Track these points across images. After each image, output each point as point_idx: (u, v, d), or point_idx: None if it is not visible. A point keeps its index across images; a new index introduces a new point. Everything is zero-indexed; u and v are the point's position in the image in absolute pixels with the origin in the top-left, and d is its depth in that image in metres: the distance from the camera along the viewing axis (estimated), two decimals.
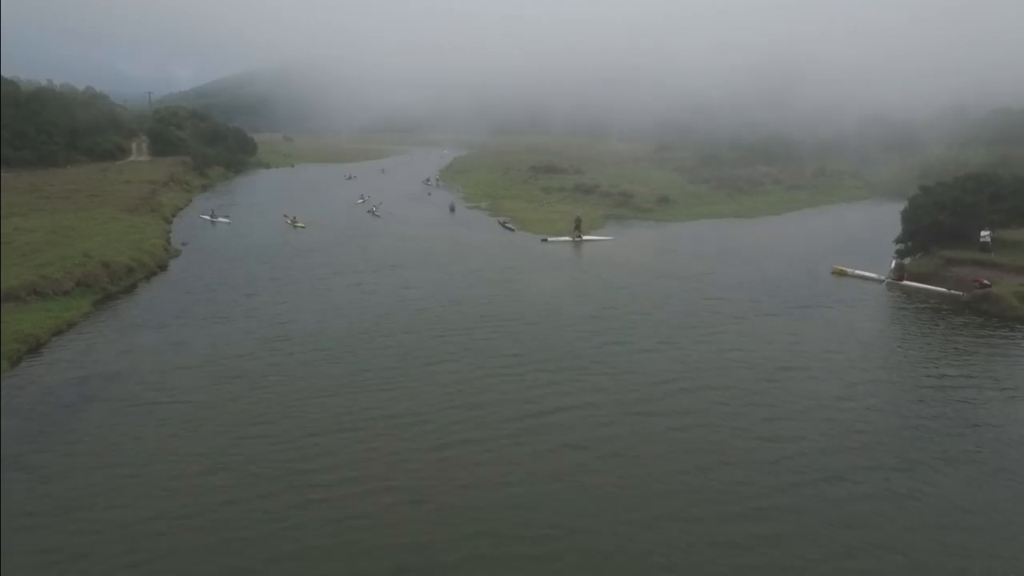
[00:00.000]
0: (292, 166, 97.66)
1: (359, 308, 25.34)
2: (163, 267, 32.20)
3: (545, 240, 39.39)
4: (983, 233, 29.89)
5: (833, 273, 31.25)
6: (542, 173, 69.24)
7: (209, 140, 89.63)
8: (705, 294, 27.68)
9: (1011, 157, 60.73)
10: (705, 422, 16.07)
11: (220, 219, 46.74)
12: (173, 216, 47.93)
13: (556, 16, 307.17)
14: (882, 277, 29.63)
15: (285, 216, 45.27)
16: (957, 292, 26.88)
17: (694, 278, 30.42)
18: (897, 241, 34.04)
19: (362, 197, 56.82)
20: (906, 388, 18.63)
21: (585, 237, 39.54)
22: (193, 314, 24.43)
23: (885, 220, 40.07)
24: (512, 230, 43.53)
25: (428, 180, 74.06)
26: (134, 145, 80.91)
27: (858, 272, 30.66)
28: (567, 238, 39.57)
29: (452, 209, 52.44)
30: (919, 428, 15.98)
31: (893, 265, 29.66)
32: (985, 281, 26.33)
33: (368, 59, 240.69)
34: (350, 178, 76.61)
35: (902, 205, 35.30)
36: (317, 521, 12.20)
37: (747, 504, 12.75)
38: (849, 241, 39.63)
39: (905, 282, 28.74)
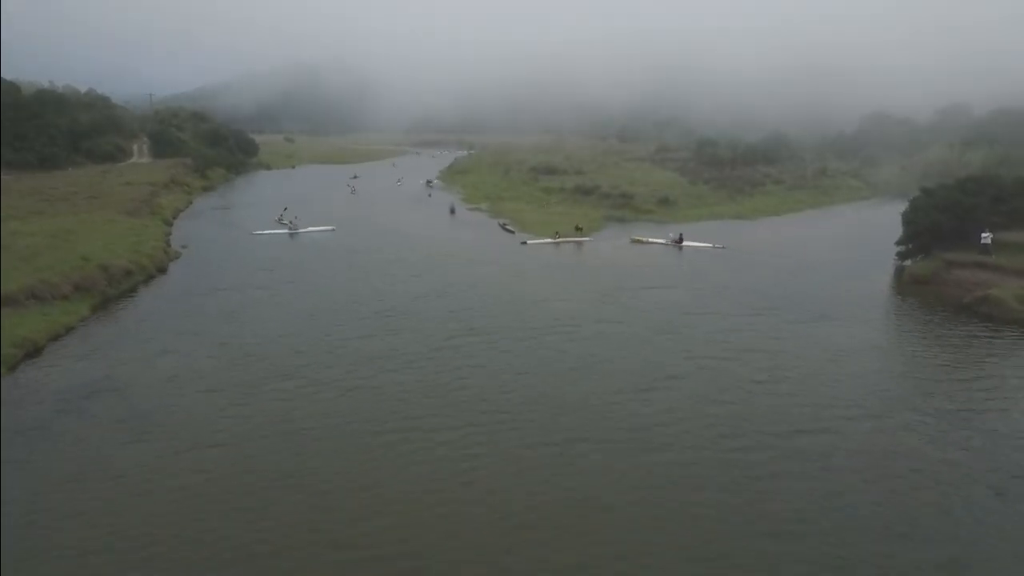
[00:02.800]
0: (293, 167, 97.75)
1: (358, 321, 25.33)
2: (162, 270, 32.19)
3: (524, 243, 39.63)
4: (983, 235, 29.78)
5: (632, 241, 39.33)
6: (542, 174, 69.07)
7: (210, 141, 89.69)
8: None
9: (1013, 157, 60.57)
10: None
11: (307, 229, 41.78)
12: (173, 218, 47.97)
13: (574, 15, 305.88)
14: (666, 241, 38.64)
15: (276, 220, 44.92)
16: (676, 245, 37.70)
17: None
18: (898, 243, 33.95)
19: (399, 179, 76.11)
20: (901, 391, 18.56)
21: (561, 239, 40.05)
22: (190, 318, 24.46)
23: (885, 221, 40.01)
24: (512, 232, 43.51)
25: (429, 182, 74.18)
26: (135, 147, 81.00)
27: (651, 240, 39.42)
28: (547, 240, 40.09)
29: (452, 211, 52.44)
30: (915, 427, 15.94)
31: (677, 236, 38.88)
32: (681, 234, 38.67)
33: (376, 61, 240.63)
34: (355, 177, 78.02)
35: (904, 206, 35.18)
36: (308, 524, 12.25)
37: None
38: (849, 242, 39.66)
39: (682, 243, 37.98)
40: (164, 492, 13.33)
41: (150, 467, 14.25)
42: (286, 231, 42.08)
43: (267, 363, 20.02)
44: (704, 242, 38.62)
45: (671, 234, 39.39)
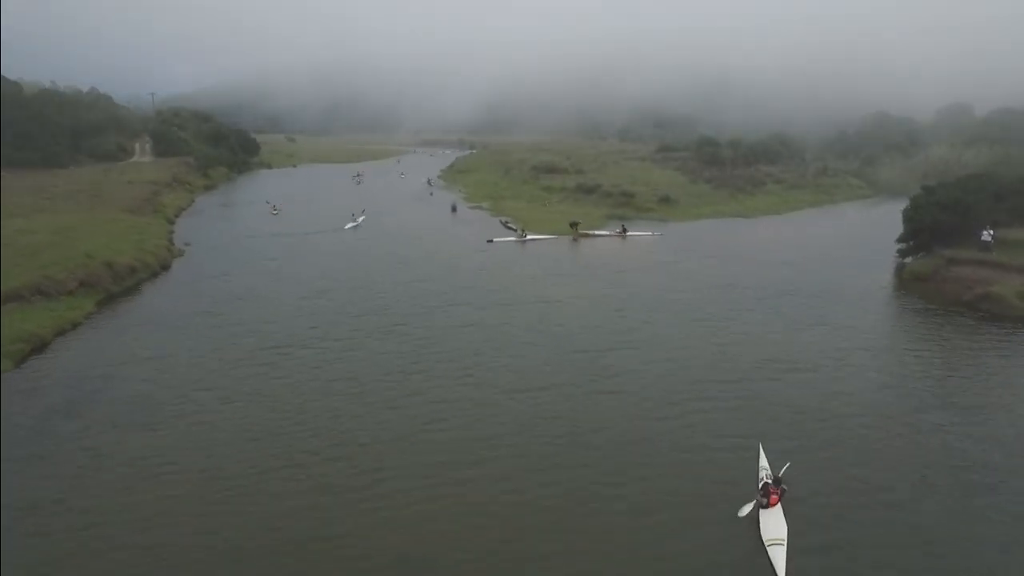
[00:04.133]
0: (295, 166, 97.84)
1: (360, 322, 25.49)
2: (166, 267, 32.38)
3: (490, 241, 39.72)
4: (984, 233, 29.88)
5: (577, 237, 40.42)
6: (543, 173, 69.17)
7: (212, 141, 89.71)
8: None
9: (1014, 156, 60.61)
10: None
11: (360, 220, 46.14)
12: (176, 216, 48.14)
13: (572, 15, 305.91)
14: (612, 233, 41.69)
15: (273, 209, 50.06)
16: (621, 236, 41.13)
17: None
18: (899, 240, 34.06)
19: (401, 173, 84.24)
20: (898, 383, 18.69)
21: (528, 237, 40.42)
22: (193, 313, 24.62)
23: (886, 220, 40.19)
24: (514, 229, 43.63)
25: (430, 180, 74.42)
26: (137, 146, 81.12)
27: (595, 232, 41.59)
28: (512, 238, 40.48)
29: (454, 209, 52.60)
30: (916, 427, 16.09)
31: (620, 228, 42.89)
32: (624, 226, 42.75)
33: (377, 61, 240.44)
34: (358, 175, 79.36)
35: (905, 205, 35.26)
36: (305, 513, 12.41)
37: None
38: (850, 240, 39.82)
39: (628, 233, 41.57)
40: (166, 490, 13.50)
41: (153, 464, 14.41)
42: (352, 226, 44.71)
43: (275, 339, 20.33)
44: (644, 231, 42.79)
45: (616, 230, 42.57)
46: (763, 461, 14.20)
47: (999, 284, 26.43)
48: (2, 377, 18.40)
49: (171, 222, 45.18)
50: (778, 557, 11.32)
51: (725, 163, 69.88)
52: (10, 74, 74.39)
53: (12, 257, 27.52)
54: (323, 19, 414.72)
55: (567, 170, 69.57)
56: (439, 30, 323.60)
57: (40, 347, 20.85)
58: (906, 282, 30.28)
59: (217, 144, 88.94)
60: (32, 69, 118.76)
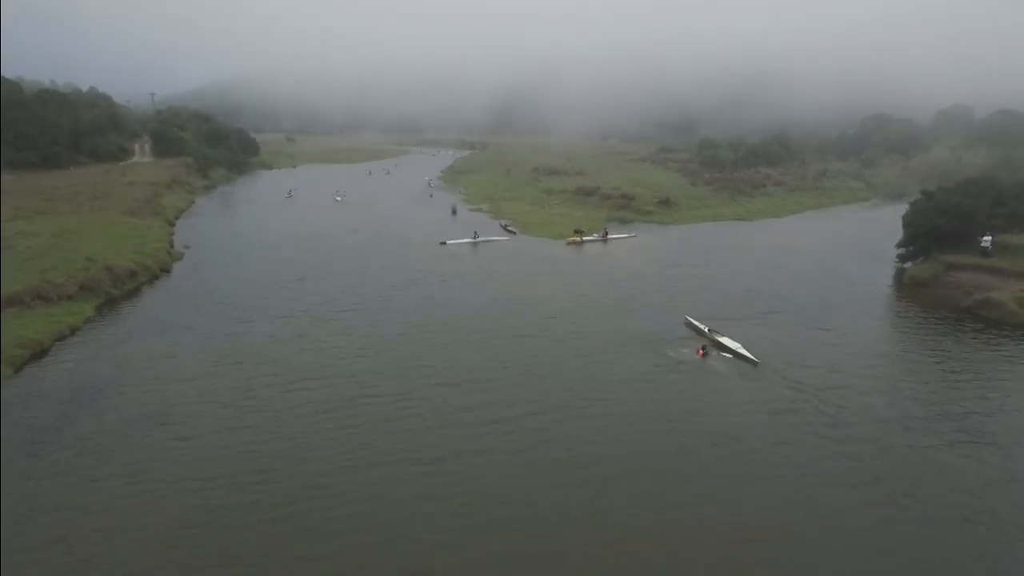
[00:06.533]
0: (294, 167, 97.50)
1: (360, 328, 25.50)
2: (166, 270, 32.34)
3: (444, 243, 39.72)
4: (984, 238, 29.87)
5: (570, 243, 40.35)
6: (543, 175, 69.19)
7: (211, 141, 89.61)
8: None
9: (1013, 159, 60.60)
10: None
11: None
12: (176, 218, 48.08)
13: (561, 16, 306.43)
14: (596, 237, 41.72)
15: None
16: (602, 240, 41.46)
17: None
18: (898, 245, 34.06)
19: (387, 172, 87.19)
20: (902, 387, 18.73)
21: (480, 239, 40.68)
22: (192, 315, 24.62)
23: (886, 222, 40.21)
24: (514, 233, 43.65)
25: (430, 182, 74.36)
26: (137, 146, 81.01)
27: (586, 238, 41.20)
28: (466, 240, 40.48)
29: (454, 212, 52.56)
30: (918, 425, 16.13)
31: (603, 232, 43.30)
32: (605, 230, 43.11)
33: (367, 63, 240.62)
34: (370, 173, 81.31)
35: (905, 207, 35.28)
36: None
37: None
38: (850, 244, 39.85)
39: (609, 236, 42.11)
40: (165, 493, 13.52)
41: (152, 469, 14.44)
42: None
43: (273, 353, 20.29)
44: (623, 234, 43.45)
45: (596, 234, 42.54)
46: (695, 323, 22.53)
47: (998, 290, 26.44)
48: (1, 383, 18.38)
49: (171, 224, 45.13)
50: (736, 345, 20.61)
51: (725, 165, 69.89)
52: (9, 73, 74.32)
53: (13, 261, 27.53)
54: (324, 20, 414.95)
55: (567, 172, 69.58)
56: (447, 34, 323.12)
57: (39, 353, 20.85)
58: (906, 287, 30.26)
59: (217, 144, 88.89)
60: (32, 68, 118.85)
